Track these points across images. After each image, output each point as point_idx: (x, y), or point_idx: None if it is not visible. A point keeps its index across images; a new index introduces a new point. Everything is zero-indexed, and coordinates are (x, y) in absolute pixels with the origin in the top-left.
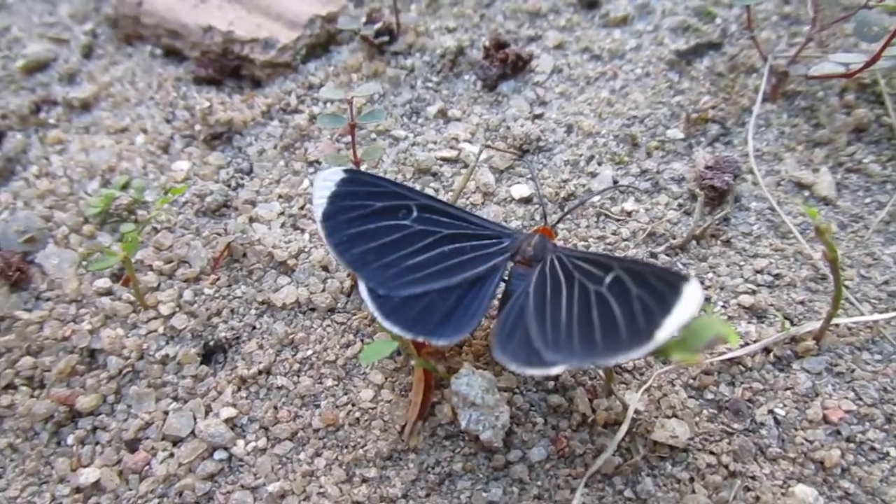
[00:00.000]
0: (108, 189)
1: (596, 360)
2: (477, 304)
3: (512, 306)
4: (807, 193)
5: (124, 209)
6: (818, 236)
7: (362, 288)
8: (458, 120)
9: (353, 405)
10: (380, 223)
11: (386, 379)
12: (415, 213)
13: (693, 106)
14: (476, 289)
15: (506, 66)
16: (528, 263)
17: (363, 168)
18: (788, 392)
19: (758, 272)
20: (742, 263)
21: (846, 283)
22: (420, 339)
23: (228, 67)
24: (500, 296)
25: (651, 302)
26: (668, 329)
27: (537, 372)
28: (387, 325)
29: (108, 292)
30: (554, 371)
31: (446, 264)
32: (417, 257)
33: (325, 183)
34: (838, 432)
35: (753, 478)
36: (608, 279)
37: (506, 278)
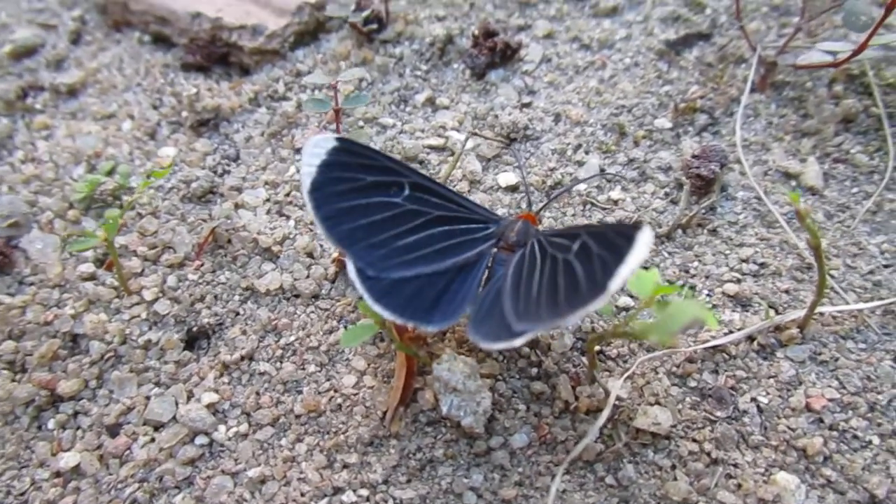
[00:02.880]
0: (93, 175)
1: (559, 320)
2: (465, 292)
3: (489, 290)
4: (794, 183)
5: (109, 194)
6: (799, 221)
7: (350, 268)
8: (447, 108)
9: (336, 391)
10: (371, 199)
11: (368, 365)
12: (407, 191)
13: (681, 96)
14: (464, 275)
15: (494, 54)
16: (511, 249)
17: None
18: (772, 380)
19: (743, 261)
20: (728, 252)
21: (832, 272)
22: (410, 325)
23: (216, 54)
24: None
25: (609, 256)
26: (621, 277)
27: (503, 345)
28: (377, 308)
29: (92, 277)
30: (517, 342)
31: (436, 247)
32: (407, 238)
33: (316, 150)
34: (821, 420)
35: (735, 465)
36: (575, 247)
37: (489, 264)
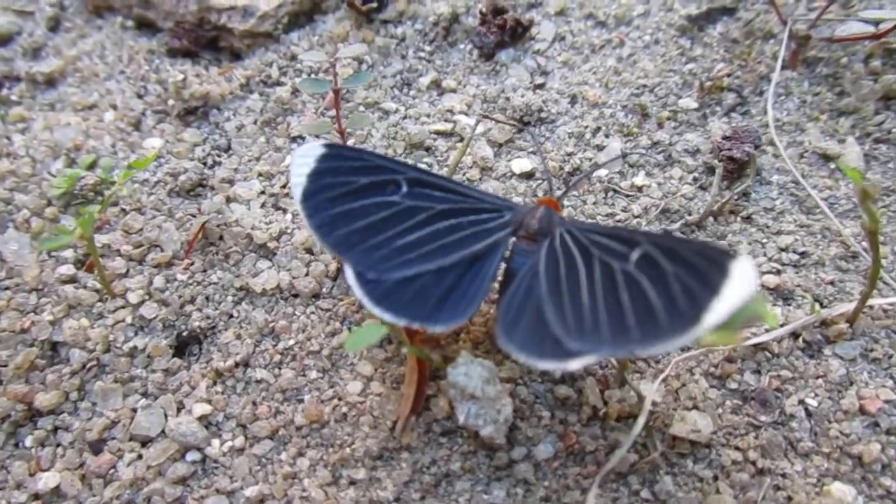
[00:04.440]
0: (73, 169)
1: (631, 349)
2: (476, 286)
3: (517, 287)
4: (832, 165)
5: (90, 190)
6: (861, 202)
7: (349, 272)
8: (454, 91)
9: (340, 399)
10: (365, 201)
11: (376, 370)
12: (404, 189)
13: (707, 74)
14: (475, 269)
15: (504, 33)
16: (534, 239)
17: (350, 142)
18: (820, 380)
19: (782, 250)
20: (765, 241)
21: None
22: (414, 327)
23: (205, 38)
24: (500, 277)
25: (692, 281)
26: (719, 313)
27: (553, 365)
28: (377, 312)
29: (72, 280)
30: (574, 364)
31: (440, 243)
32: (408, 236)
33: (304, 159)
34: (877, 424)
35: (784, 475)
36: (635, 256)
37: (506, 256)
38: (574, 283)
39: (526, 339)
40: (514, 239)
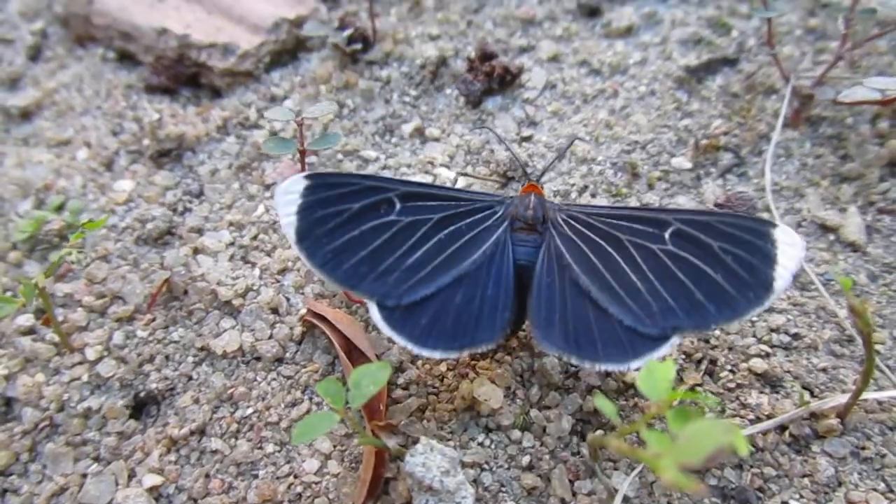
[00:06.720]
0: (40, 211)
1: (714, 324)
2: (505, 292)
3: (539, 286)
4: (832, 237)
5: (55, 235)
6: (852, 315)
7: (373, 311)
8: (437, 140)
9: (296, 477)
10: (363, 226)
11: (335, 447)
12: (398, 206)
13: (703, 131)
14: (492, 273)
15: (492, 80)
16: (532, 228)
17: None
18: (806, 480)
19: (772, 331)
20: (754, 320)
21: (877, 347)
22: (466, 354)
23: (184, 75)
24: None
25: (742, 252)
26: (785, 278)
27: (642, 359)
28: (420, 351)
29: (31, 331)
30: (664, 348)
31: (448, 252)
32: (415, 253)
33: (289, 196)
34: None
35: None
36: (668, 235)
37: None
38: (617, 270)
39: (591, 339)
40: (510, 231)
